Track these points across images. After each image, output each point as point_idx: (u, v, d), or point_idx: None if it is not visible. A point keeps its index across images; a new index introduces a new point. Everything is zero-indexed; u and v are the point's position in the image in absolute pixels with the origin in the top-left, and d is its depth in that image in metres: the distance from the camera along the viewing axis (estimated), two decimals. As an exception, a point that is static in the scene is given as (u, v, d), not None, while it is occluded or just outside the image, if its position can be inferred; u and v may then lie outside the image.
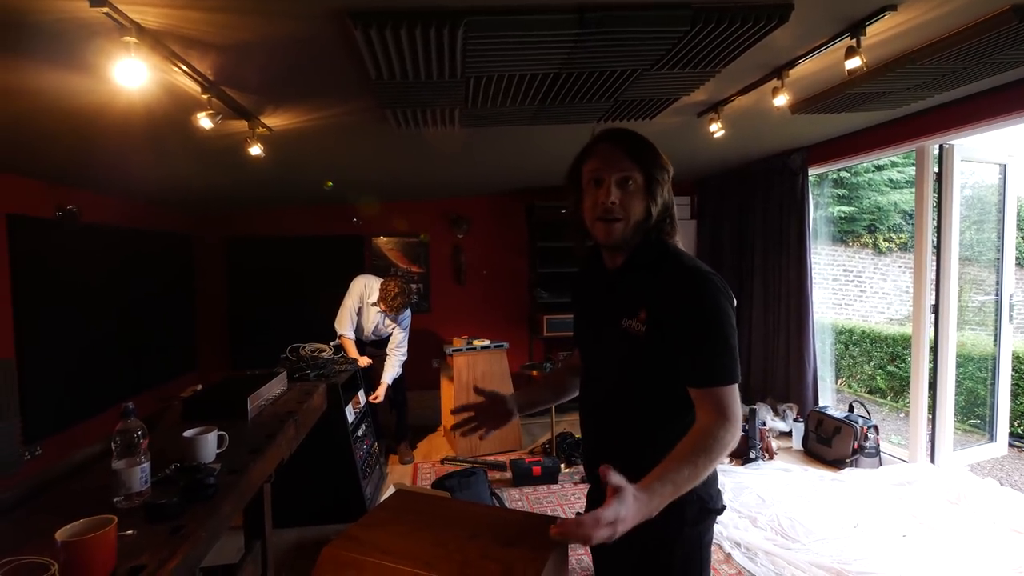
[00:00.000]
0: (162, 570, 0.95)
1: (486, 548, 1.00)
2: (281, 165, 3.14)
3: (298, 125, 2.46)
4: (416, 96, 2.11)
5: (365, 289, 3.60)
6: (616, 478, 0.80)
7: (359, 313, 3.61)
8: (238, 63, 1.74)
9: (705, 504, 1.05)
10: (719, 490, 1.10)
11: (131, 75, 1.39)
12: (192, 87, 1.82)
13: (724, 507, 1.10)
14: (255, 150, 2.39)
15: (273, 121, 2.38)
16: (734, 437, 0.93)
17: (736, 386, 0.96)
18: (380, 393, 3.57)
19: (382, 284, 3.49)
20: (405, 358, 3.70)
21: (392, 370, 3.62)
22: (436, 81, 1.95)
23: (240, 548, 1.89)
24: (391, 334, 3.66)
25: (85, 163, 2.92)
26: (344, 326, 3.57)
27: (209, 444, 1.45)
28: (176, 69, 1.65)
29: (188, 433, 1.45)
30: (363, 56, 1.67)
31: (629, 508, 0.78)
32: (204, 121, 1.88)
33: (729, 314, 0.97)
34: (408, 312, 3.65)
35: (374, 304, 3.54)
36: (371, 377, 3.67)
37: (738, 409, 0.96)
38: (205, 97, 1.84)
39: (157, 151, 2.77)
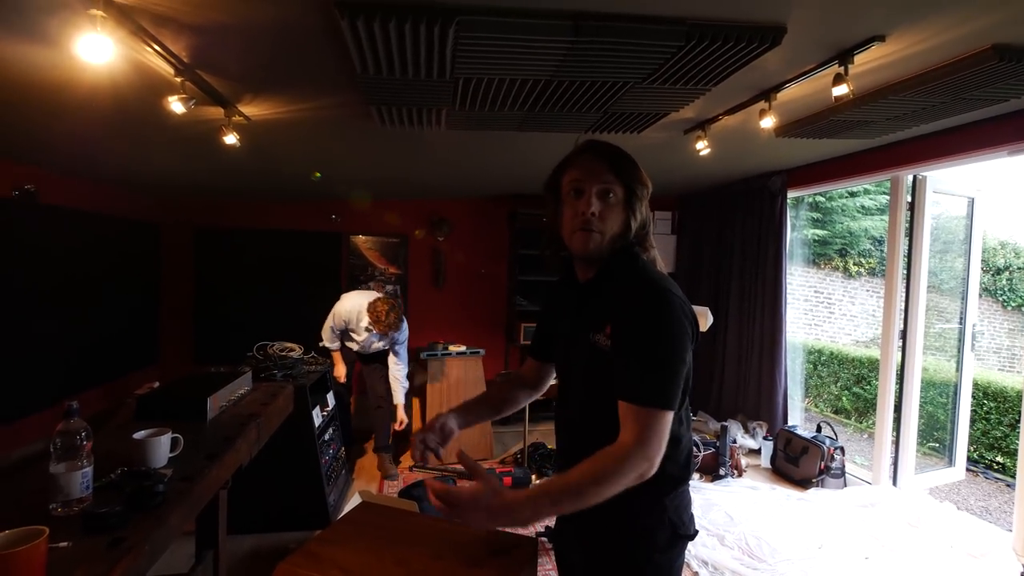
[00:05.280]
0: (95, 588, 0.87)
1: (450, 570, 0.96)
2: (258, 156, 3.03)
3: (277, 116, 2.38)
4: (402, 94, 2.05)
5: (350, 314, 3.38)
6: (480, 476, 0.90)
7: (345, 331, 3.46)
8: (215, 46, 1.66)
9: (676, 530, 1.02)
10: (692, 515, 1.07)
11: (97, 51, 1.31)
12: (164, 68, 1.73)
13: (696, 532, 1.07)
14: (231, 139, 2.29)
15: (251, 110, 2.29)
16: (641, 467, 0.87)
17: (664, 413, 0.89)
18: (401, 416, 3.48)
19: (369, 307, 3.24)
20: (408, 369, 3.58)
21: (401, 391, 3.49)
22: (424, 80, 1.90)
23: (191, 556, 1.79)
24: (381, 349, 3.50)
25: (47, 142, 2.76)
26: (327, 340, 3.47)
27: (161, 447, 1.37)
28: (147, 48, 1.57)
29: (138, 435, 1.36)
30: (349, 48, 1.61)
31: (488, 503, 0.85)
32: (176, 105, 1.79)
33: (677, 336, 0.92)
34: (404, 325, 3.48)
35: (368, 329, 3.35)
36: (344, 385, 3.56)
37: (657, 438, 0.88)
38: (178, 80, 1.75)
39: (124, 133, 2.63)
